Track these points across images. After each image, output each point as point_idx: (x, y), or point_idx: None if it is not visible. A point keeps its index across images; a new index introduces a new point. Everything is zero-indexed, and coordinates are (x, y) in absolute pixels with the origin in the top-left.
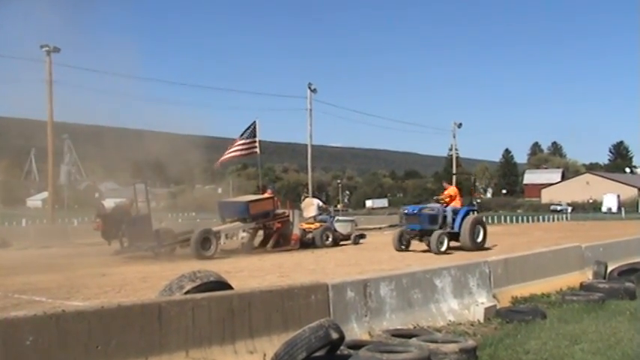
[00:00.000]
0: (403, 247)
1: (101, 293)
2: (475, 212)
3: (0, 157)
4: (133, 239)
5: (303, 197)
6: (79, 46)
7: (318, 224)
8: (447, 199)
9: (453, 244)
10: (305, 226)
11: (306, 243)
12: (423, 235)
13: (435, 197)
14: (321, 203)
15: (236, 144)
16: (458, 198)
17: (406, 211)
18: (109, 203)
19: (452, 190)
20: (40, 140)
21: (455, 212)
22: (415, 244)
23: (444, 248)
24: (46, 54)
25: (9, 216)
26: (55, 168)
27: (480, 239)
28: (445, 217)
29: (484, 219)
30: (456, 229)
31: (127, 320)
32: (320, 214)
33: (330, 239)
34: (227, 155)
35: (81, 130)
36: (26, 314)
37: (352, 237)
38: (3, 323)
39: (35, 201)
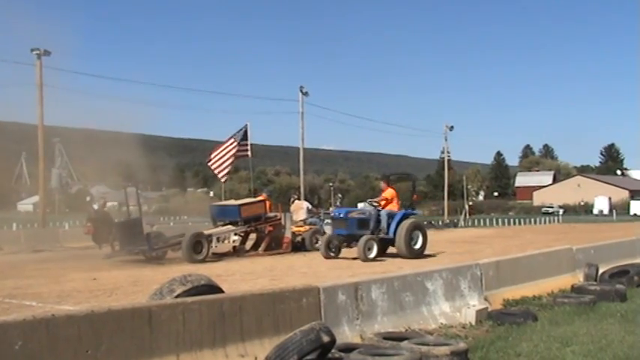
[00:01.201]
0: (332, 254)
1: (92, 297)
2: (414, 216)
3: None
4: (123, 243)
5: (292, 200)
6: (70, 49)
7: (307, 227)
8: (383, 202)
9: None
10: (294, 229)
11: (296, 246)
12: (352, 240)
13: (368, 200)
14: (310, 206)
15: (227, 148)
16: (395, 201)
17: (333, 215)
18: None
19: (389, 192)
20: (31, 144)
21: (391, 216)
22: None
23: (372, 255)
24: (37, 57)
25: None
26: (46, 172)
27: (418, 246)
28: (379, 221)
29: (424, 223)
30: (390, 235)
31: (118, 324)
32: (310, 217)
33: (320, 242)
34: (225, 166)
35: (72, 134)
36: (15, 318)
37: None
38: None
39: (26, 205)
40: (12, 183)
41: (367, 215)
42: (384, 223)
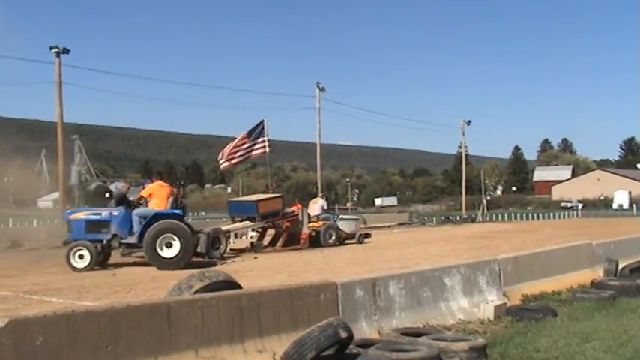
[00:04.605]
0: (77, 264)
1: (111, 293)
2: (175, 217)
3: (11, 158)
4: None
5: (320, 196)
6: (89, 47)
7: (320, 223)
8: (147, 199)
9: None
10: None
11: (310, 240)
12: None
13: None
14: (325, 206)
15: (243, 144)
16: (163, 197)
17: (63, 217)
18: None
19: (150, 187)
20: (51, 141)
21: (144, 217)
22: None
23: (82, 265)
24: (55, 55)
25: (20, 217)
26: (66, 169)
27: (170, 254)
28: (129, 222)
29: (185, 226)
30: (137, 240)
31: (137, 320)
32: (323, 213)
33: (334, 237)
34: (236, 160)
35: (91, 131)
36: (36, 314)
37: (356, 236)
38: (13, 323)
39: (46, 202)
40: (32, 180)
41: (105, 216)
42: (136, 226)
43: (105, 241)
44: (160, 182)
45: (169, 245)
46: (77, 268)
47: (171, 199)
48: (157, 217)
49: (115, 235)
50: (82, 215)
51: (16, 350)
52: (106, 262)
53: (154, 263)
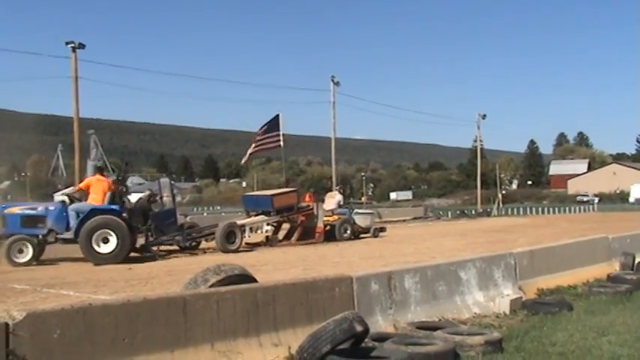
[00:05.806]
0: (16, 259)
1: (127, 287)
2: (112, 212)
3: (29, 153)
4: (158, 233)
5: (336, 189)
6: (104, 42)
7: (336, 217)
8: (80, 194)
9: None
10: (324, 218)
11: (325, 234)
12: None
13: (62, 191)
14: (342, 201)
15: (259, 138)
16: (100, 192)
17: None
18: (134, 198)
19: (86, 180)
20: (67, 136)
21: (81, 212)
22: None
23: (22, 259)
24: (72, 50)
25: None
26: (82, 163)
27: (106, 250)
28: (65, 217)
29: (120, 220)
30: (72, 236)
31: (153, 314)
32: (339, 207)
33: (349, 232)
34: (252, 150)
35: (107, 126)
36: (54, 307)
37: (371, 230)
38: (31, 316)
39: (62, 196)
40: (48, 174)
41: (40, 211)
42: (72, 221)
43: (41, 236)
44: (98, 176)
45: (106, 241)
46: (18, 263)
47: (108, 194)
48: (94, 212)
49: (50, 230)
50: (17, 209)
51: (34, 343)
52: (39, 257)
53: (89, 259)
